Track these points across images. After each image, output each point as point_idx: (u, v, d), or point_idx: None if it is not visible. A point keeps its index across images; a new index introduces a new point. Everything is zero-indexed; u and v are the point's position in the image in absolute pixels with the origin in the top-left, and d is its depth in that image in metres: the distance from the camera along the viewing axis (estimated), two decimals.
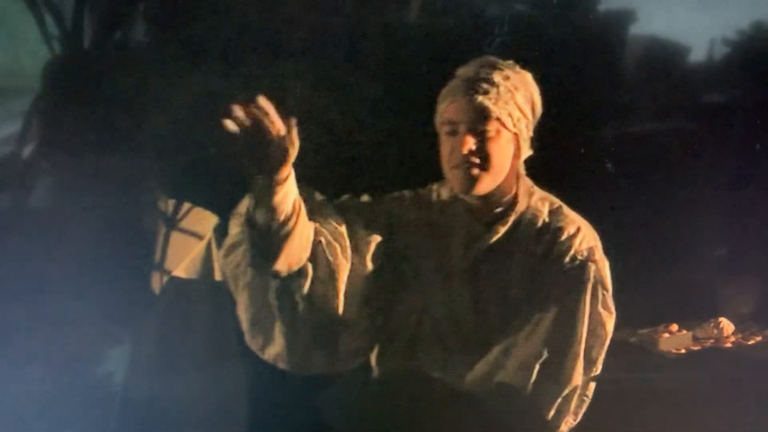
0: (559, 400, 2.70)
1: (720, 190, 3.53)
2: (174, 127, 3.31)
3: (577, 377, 2.70)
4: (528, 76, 2.74)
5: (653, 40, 3.56)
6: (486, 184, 2.68)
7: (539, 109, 2.75)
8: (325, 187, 3.30)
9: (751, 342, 3.48)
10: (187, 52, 3.32)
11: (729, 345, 3.47)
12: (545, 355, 2.68)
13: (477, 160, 2.65)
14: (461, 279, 2.73)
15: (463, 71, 2.71)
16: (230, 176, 3.32)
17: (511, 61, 2.74)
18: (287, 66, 3.34)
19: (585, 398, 2.78)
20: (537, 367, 2.68)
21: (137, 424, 3.27)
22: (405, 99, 3.28)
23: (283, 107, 3.33)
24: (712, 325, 3.49)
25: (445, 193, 2.78)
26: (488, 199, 2.71)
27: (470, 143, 2.64)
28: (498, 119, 2.65)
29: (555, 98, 3.24)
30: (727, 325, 3.50)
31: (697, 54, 3.59)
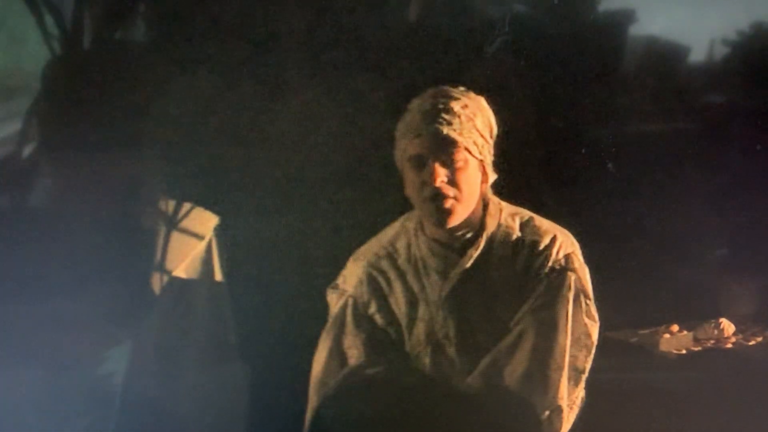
0: (547, 412, 2.70)
1: (720, 190, 3.53)
2: (174, 127, 3.31)
3: (563, 388, 2.70)
4: (482, 101, 2.75)
5: (653, 40, 3.56)
6: (459, 215, 2.70)
7: (495, 132, 2.76)
8: (325, 186, 3.31)
9: (751, 342, 3.48)
10: (187, 52, 3.32)
11: (730, 345, 3.46)
12: (530, 367, 2.69)
13: (450, 192, 2.66)
14: (443, 307, 2.74)
15: (418, 104, 2.72)
16: (230, 177, 3.34)
17: (463, 88, 2.74)
18: (287, 66, 3.34)
19: (574, 406, 2.78)
20: (523, 379, 2.68)
21: (137, 424, 3.26)
22: (405, 100, 3.27)
23: (282, 108, 3.35)
24: (712, 325, 3.49)
25: (411, 226, 2.80)
26: (455, 228, 2.72)
27: (442, 175, 2.65)
28: (465, 149, 2.66)
29: (555, 98, 3.25)
30: (727, 326, 3.49)
31: (697, 54, 3.59)
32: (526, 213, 2.80)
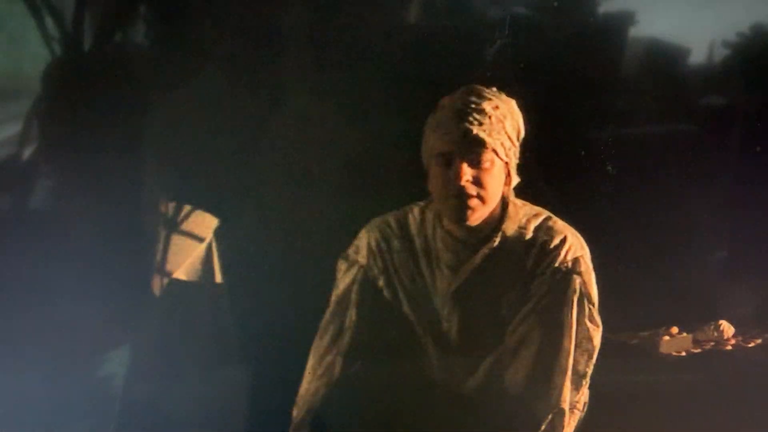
0: (550, 415, 2.70)
1: (720, 192, 3.53)
2: (175, 129, 3.31)
3: (567, 392, 2.70)
4: (513, 104, 2.75)
5: (653, 42, 3.56)
6: (480, 214, 2.70)
7: (523, 135, 2.77)
8: (326, 188, 3.31)
9: (751, 344, 3.48)
10: (188, 53, 3.32)
11: (729, 347, 3.47)
12: (534, 370, 2.69)
13: (473, 191, 2.66)
14: (450, 301, 2.74)
15: (450, 101, 2.71)
16: (231, 179, 3.34)
17: (495, 89, 2.74)
18: (288, 67, 3.34)
19: (576, 411, 2.78)
20: (526, 381, 2.68)
21: (137, 426, 3.26)
22: (405, 101, 3.28)
23: (285, 110, 3.35)
24: (712, 327, 3.49)
25: (429, 216, 2.79)
26: (473, 226, 2.73)
27: (467, 174, 2.66)
28: (493, 150, 2.66)
29: (555, 100, 3.24)
30: (727, 328, 3.50)
31: (697, 56, 3.59)
32: (544, 212, 2.80)
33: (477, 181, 2.67)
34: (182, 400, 3.27)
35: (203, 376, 3.32)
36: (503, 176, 2.71)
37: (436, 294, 2.77)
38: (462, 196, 2.66)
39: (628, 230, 3.38)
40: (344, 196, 3.30)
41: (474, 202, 2.68)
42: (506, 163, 2.70)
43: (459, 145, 2.66)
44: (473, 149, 2.66)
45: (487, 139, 2.65)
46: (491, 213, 2.73)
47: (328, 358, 2.79)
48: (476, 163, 2.66)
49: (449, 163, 2.67)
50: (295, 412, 2.83)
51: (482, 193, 2.67)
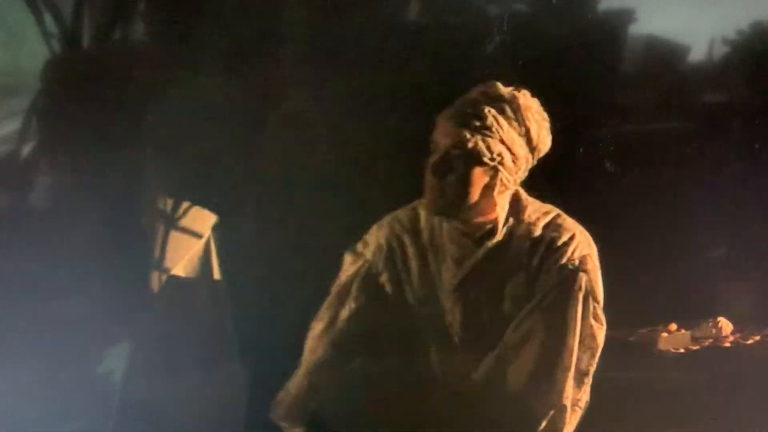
0: (552, 411, 2.70)
1: (719, 189, 3.53)
2: (173, 125, 3.32)
3: (569, 389, 2.70)
4: (531, 113, 2.70)
5: (652, 39, 3.56)
6: (454, 211, 2.69)
7: (543, 145, 2.73)
8: (326, 187, 3.31)
9: (749, 341, 3.47)
10: (187, 51, 3.33)
11: (728, 344, 3.46)
12: (538, 366, 2.69)
13: (445, 188, 2.65)
14: (453, 294, 2.74)
15: (470, 92, 2.70)
16: (229, 175, 3.34)
17: (522, 92, 2.71)
18: (288, 66, 3.35)
19: (577, 408, 2.78)
20: (529, 378, 2.68)
21: (136, 422, 3.27)
22: (404, 98, 3.28)
23: (283, 107, 3.35)
24: (710, 324, 3.49)
25: None
26: (470, 220, 2.72)
27: (443, 164, 2.65)
28: (472, 149, 2.64)
29: (554, 98, 3.25)
30: (725, 325, 3.49)
31: (697, 54, 3.59)
32: (553, 210, 2.80)
33: (451, 173, 2.66)
34: (181, 395, 3.27)
35: (202, 372, 3.33)
36: (485, 178, 2.69)
37: (441, 287, 2.77)
38: (434, 191, 2.67)
39: (626, 227, 3.38)
40: (342, 193, 3.30)
41: (444, 200, 2.67)
42: (494, 167, 2.68)
43: (445, 136, 2.66)
44: (456, 145, 2.65)
45: (467, 137, 2.64)
46: (485, 212, 2.72)
47: (318, 345, 2.79)
48: (454, 158, 2.66)
49: (435, 152, 2.67)
50: (279, 396, 2.82)
51: (454, 194, 2.67)
